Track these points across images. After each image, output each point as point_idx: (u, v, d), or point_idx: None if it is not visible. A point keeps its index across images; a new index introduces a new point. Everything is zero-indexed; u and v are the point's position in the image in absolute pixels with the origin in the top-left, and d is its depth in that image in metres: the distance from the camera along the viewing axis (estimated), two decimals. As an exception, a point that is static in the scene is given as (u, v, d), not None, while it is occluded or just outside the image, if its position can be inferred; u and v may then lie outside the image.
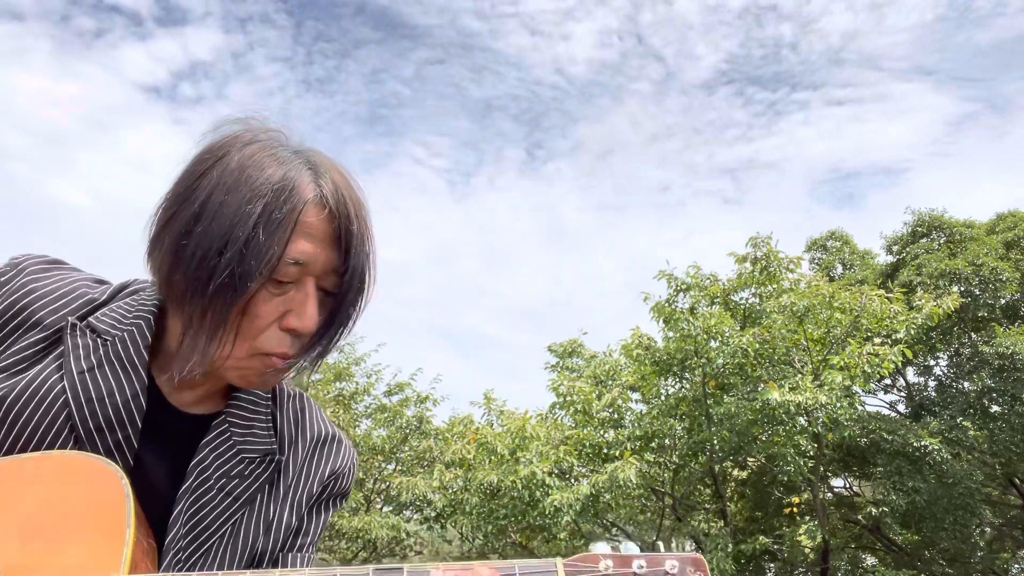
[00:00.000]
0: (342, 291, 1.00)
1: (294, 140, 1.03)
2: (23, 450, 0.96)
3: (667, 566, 0.90)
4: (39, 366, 0.99)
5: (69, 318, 1.02)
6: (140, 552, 0.91)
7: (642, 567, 0.90)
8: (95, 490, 0.91)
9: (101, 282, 1.11)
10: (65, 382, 0.98)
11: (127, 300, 1.07)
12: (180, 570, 1.00)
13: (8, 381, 0.98)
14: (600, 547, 0.91)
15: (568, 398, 14.33)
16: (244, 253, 0.92)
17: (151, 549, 0.96)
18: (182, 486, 1.02)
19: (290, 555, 1.12)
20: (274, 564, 1.10)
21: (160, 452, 1.03)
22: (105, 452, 0.97)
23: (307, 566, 1.13)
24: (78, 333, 1.01)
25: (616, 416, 14.38)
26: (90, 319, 1.02)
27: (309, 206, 0.96)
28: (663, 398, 14.48)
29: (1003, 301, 16.27)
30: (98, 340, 1.01)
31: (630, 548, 0.92)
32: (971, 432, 15.10)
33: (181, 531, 1.01)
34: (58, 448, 0.96)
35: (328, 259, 0.98)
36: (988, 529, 15.99)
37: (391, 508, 16.11)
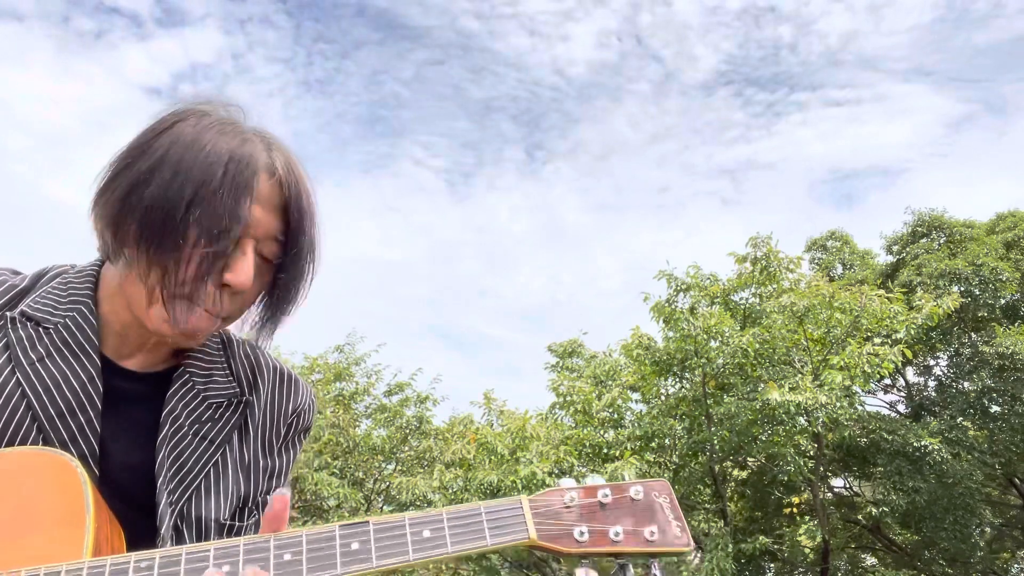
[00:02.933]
0: (284, 255, 1.05)
1: (249, 121, 1.09)
2: None
3: (631, 492, 0.92)
4: None
5: (7, 312, 1.03)
6: (103, 537, 0.92)
7: (607, 495, 0.91)
8: (53, 482, 0.92)
9: (16, 272, 1.13)
10: (18, 374, 1.00)
11: (53, 284, 1.09)
12: (172, 510, 1.02)
13: None
14: (567, 482, 0.93)
15: (568, 398, 14.32)
16: (213, 210, 0.97)
17: (116, 532, 0.98)
18: (159, 436, 1.05)
19: (268, 498, 1.15)
20: (258, 508, 1.15)
21: (129, 417, 1.06)
22: (69, 437, 0.99)
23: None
24: (18, 325, 1.03)
25: (616, 416, 14.38)
26: (23, 308, 1.04)
27: (261, 173, 1.02)
28: (663, 398, 14.48)
29: (1003, 301, 16.26)
30: (40, 329, 1.03)
31: (596, 480, 0.93)
32: (971, 432, 15.10)
33: (167, 474, 1.04)
34: (21, 438, 0.98)
35: (271, 225, 1.03)
36: (988, 529, 16.00)
37: (391, 508, 16.11)
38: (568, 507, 0.90)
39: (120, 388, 1.06)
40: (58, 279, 1.10)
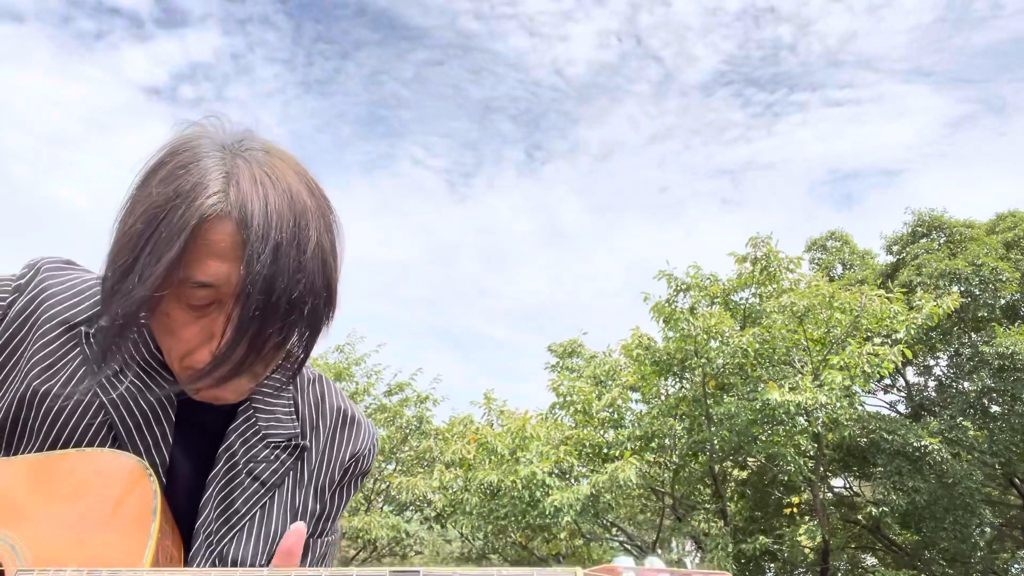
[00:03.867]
0: (242, 305, 0.90)
1: (230, 138, 0.97)
2: (63, 447, 1.00)
3: None
4: (70, 368, 1.02)
5: (83, 328, 1.04)
6: (164, 546, 0.94)
7: None
8: (124, 486, 0.94)
9: None
10: (96, 386, 1.01)
11: None
12: (210, 551, 1.02)
13: (42, 377, 1.02)
14: (623, 560, 0.88)
15: (568, 398, 14.34)
16: (129, 276, 0.90)
17: (177, 543, 0.99)
18: (211, 471, 1.05)
19: (311, 541, 1.14)
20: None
21: (191, 441, 1.06)
22: (144, 449, 1.00)
23: (328, 550, 1.17)
24: (92, 340, 1.03)
25: (616, 416, 14.39)
26: (101, 322, 1.04)
27: (213, 223, 0.89)
28: (663, 398, 14.49)
29: (1003, 301, 16.26)
30: None
31: (654, 563, 0.88)
32: (971, 432, 15.10)
33: (212, 515, 1.03)
34: (98, 445, 1.00)
35: (237, 275, 0.91)
36: (988, 529, 16.00)
37: (391, 508, 16.13)
38: None
39: (190, 412, 1.06)
40: None
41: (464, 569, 0.86)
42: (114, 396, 1.01)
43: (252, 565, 1.05)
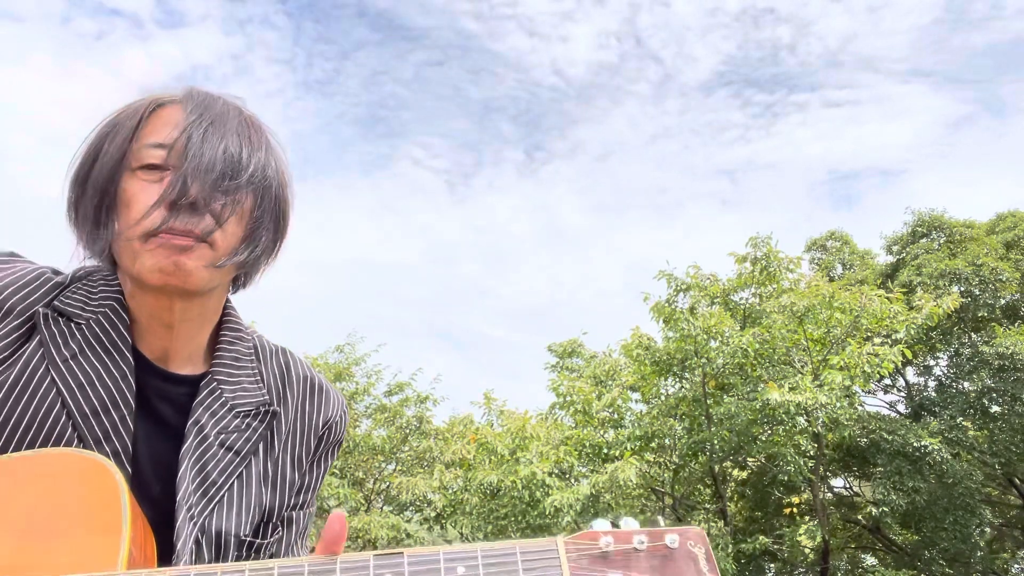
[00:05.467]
0: (183, 152, 0.99)
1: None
2: (21, 441, 0.96)
3: (667, 540, 0.90)
4: (23, 358, 0.99)
5: (39, 308, 1.02)
6: (137, 545, 0.91)
7: (643, 542, 0.90)
8: (90, 486, 0.91)
9: (58, 272, 1.11)
10: (52, 372, 0.98)
11: (84, 281, 1.08)
12: (193, 525, 1.01)
13: None
14: (600, 524, 0.92)
15: (568, 398, 14.33)
16: (103, 158, 1.01)
17: (149, 539, 0.96)
18: (183, 446, 1.03)
19: (294, 514, 1.14)
20: (283, 523, 1.12)
21: (163, 419, 1.05)
22: (103, 434, 0.98)
23: (309, 521, 1.18)
24: (51, 321, 1.01)
25: (616, 416, 14.39)
26: (55, 303, 1.03)
27: (166, 106, 1.03)
28: (663, 398, 14.49)
29: (1003, 301, 16.27)
30: (72, 325, 1.02)
31: (630, 524, 0.92)
32: (971, 432, 15.11)
33: (190, 488, 1.02)
34: (56, 436, 0.97)
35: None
36: (988, 529, 16.00)
37: (391, 508, 16.12)
38: (604, 551, 0.89)
39: (156, 388, 1.05)
40: (89, 276, 1.09)
41: (447, 548, 0.87)
42: (70, 381, 0.99)
43: (236, 535, 1.04)
